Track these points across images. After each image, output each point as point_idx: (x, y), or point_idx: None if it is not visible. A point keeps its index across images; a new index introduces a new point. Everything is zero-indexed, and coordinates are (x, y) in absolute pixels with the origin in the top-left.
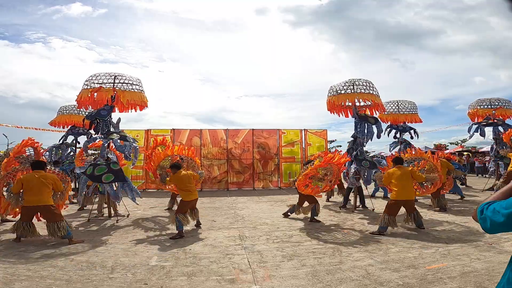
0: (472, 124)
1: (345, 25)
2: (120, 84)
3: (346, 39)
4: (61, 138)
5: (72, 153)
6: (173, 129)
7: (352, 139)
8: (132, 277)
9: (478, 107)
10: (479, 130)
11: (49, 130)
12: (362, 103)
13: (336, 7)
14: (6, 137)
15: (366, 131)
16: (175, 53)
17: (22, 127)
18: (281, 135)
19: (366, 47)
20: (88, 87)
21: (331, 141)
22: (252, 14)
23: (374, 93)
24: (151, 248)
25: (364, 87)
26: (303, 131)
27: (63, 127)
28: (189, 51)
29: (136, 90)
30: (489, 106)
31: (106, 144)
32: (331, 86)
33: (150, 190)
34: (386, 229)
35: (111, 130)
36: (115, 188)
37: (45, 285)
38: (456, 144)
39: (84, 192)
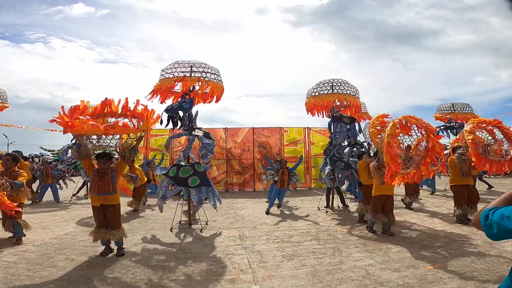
0: (436, 127)
1: (346, 25)
2: (205, 74)
3: (346, 39)
4: (72, 138)
5: None
6: (172, 129)
7: (330, 139)
8: (132, 277)
9: (439, 112)
10: (443, 132)
11: (49, 130)
12: (344, 103)
13: (336, 7)
14: (6, 137)
15: (339, 131)
16: (175, 53)
17: (22, 127)
18: (283, 134)
19: (367, 47)
20: (166, 76)
21: None
22: (252, 14)
23: (352, 94)
24: (151, 248)
25: (342, 88)
26: (306, 129)
27: None
28: (189, 51)
29: (217, 81)
30: (450, 110)
31: (193, 142)
32: (309, 89)
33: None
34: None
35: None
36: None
37: (45, 285)
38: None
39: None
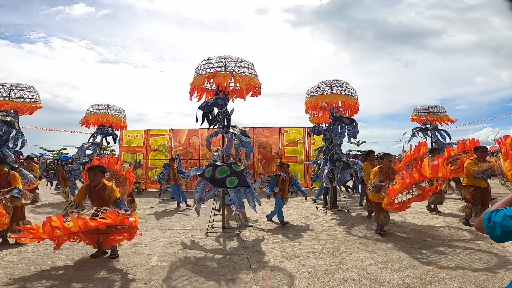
0: (412, 129)
1: (346, 25)
2: (237, 68)
3: (347, 39)
4: (90, 138)
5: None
6: (172, 129)
7: (329, 140)
8: (132, 277)
9: (416, 113)
10: (417, 134)
11: (49, 130)
12: (340, 104)
13: (337, 7)
14: None
15: (339, 131)
16: (176, 53)
17: (22, 127)
18: (283, 134)
19: (367, 47)
20: (200, 73)
21: None
22: (252, 14)
23: (350, 94)
24: (151, 248)
25: (341, 89)
26: (306, 129)
27: (93, 127)
28: (190, 51)
29: (251, 75)
30: (425, 112)
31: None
32: (309, 88)
33: (150, 190)
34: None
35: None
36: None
37: (45, 285)
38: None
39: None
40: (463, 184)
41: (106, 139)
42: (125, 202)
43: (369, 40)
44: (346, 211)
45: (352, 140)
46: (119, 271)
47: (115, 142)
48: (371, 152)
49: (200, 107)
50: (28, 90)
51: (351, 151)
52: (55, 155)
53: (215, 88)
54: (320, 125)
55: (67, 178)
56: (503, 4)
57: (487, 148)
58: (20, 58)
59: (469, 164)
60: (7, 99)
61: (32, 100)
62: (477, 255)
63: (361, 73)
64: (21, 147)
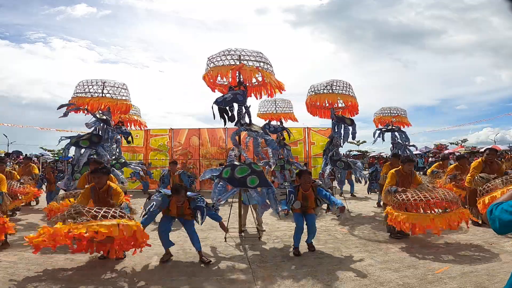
0: (376, 130)
1: (346, 25)
2: (263, 64)
3: (347, 39)
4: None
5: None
6: (171, 129)
7: (329, 139)
8: (132, 277)
9: (381, 114)
10: (380, 135)
11: (50, 129)
12: (340, 105)
13: (337, 7)
14: (6, 137)
15: (343, 132)
16: (176, 53)
17: (22, 126)
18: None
19: (367, 47)
20: (212, 65)
21: None
22: (252, 14)
23: (351, 95)
24: (151, 248)
25: (342, 88)
26: (306, 129)
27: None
28: (190, 51)
29: (271, 72)
30: (389, 114)
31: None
32: (311, 86)
33: (149, 190)
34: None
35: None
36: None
37: (45, 285)
38: (456, 144)
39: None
40: (466, 184)
41: (126, 138)
42: (130, 208)
43: (369, 40)
44: (346, 211)
45: (351, 140)
46: (119, 271)
47: (132, 142)
48: (397, 155)
49: (217, 102)
50: (121, 87)
51: (351, 151)
52: (55, 155)
53: (227, 83)
54: (275, 121)
55: (54, 181)
56: (503, 4)
57: (496, 151)
58: (20, 58)
59: (475, 165)
60: (101, 95)
61: (126, 97)
62: (477, 255)
63: (361, 73)
64: (117, 147)
